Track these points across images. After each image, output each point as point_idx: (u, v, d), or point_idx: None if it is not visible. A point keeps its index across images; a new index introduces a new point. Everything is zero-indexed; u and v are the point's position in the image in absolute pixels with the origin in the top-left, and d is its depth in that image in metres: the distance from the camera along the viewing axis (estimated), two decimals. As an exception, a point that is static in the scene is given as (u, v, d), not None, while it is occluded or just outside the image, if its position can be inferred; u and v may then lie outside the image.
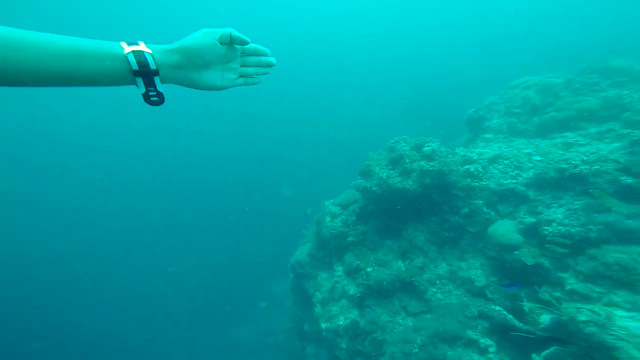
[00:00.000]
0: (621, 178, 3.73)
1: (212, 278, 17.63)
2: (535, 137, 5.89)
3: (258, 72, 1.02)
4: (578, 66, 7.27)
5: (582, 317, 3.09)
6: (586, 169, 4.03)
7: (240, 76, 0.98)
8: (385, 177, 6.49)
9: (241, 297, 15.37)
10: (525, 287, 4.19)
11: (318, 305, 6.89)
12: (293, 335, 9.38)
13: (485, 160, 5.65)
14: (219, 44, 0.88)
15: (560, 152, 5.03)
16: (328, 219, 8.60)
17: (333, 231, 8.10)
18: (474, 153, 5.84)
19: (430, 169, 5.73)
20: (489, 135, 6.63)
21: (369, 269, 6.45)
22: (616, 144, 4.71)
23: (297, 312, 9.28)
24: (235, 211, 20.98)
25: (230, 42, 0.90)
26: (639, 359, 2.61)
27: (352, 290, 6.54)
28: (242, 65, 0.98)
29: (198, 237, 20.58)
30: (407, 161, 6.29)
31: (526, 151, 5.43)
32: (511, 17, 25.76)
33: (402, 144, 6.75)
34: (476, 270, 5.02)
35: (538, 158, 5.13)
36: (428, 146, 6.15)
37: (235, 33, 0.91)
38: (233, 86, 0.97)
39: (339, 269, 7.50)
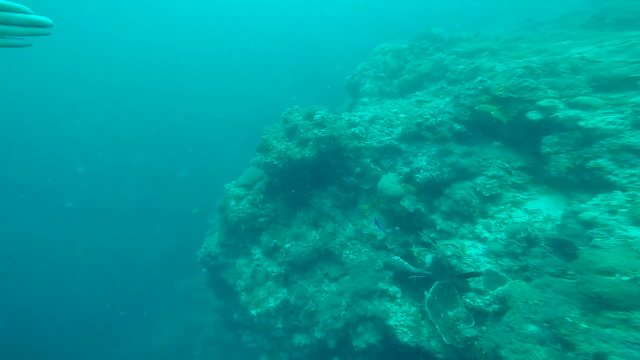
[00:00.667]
0: (454, 125, 4.93)
1: (119, 287, 14.99)
2: (398, 98, 7.01)
3: (23, 33, 0.88)
4: (415, 32, 8.72)
5: (448, 252, 4.11)
6: (434, 121, 5.11)
7: None
8: (284, 150, 6.37)
9: (155, 300, 13.63)
10: (413, 233, 5.18)
11: (243, 293, 6.63)
12: (223, 327, 8.94)
13: (366, 121, 6.32)
14: None
15: (416, 109, 6.16)
16: (233, 202, 7.98)
17: (241, 215, 7.63)
18: (356, 116, 6.41)
19: (323, 135, 5.96)
20: (365, 99, 7.41)
21: (287, 245, 6.52)
22: (447, 99, 6.11)
23: (221, 305, 8.76)
24: (134, 208, 17.51)
25: None
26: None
27: (275, 270, 6.52)
28: None
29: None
30: (301, 131, 6.31)
31: (394, 110, 6.38)
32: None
33: (295, 114, 6.67)
34: (376, 225, 5.79)
35: (403, 115, 6.13)
36: (318, 114, 6.30)
37: None
38: None
39: (257, 252, 7.28)
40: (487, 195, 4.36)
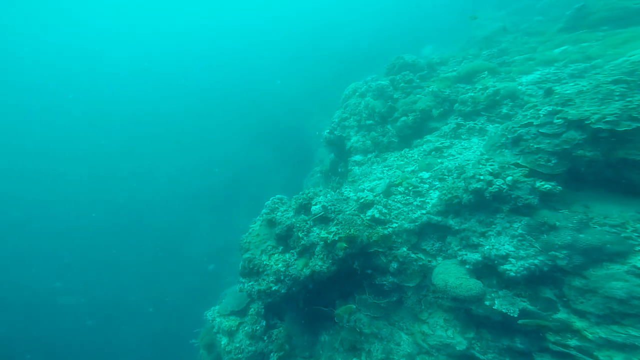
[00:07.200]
0: (537, 184, 2.94)
1: None
2: (402, 148, 4.97)
3: None
4: (383, 63, 6.95)
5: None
6: (502, 184, 3.07)
7: None
8: (283, 269, 3.83)
9: None
10: (516, 335, 2.92)
11: None
12: None
13: (381, 195, 4.09)
14: None
15: (439, 160, 4.14)
16: (224, 340, 5.04)
17: (240, 356, 4.78)
18: (365, 191, 4.17)
19: (336, 238, 3.57)
20: (358, 157, 5.26)
21: (322, 396, 3.84)
22: (474, 139, 4.20)
23: None
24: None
25: None
26: None
27: None
28: None
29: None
30: (300, 235, 3.85)
31: (409, 169, 4.29)
32: (312, 31, 22.54)
33: (282, 209, 4.22)
34: (444, 331, 3.48)
35: (426, 175, 4.04)
36: (315, 203, 3.93)
37: None
38: None
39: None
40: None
